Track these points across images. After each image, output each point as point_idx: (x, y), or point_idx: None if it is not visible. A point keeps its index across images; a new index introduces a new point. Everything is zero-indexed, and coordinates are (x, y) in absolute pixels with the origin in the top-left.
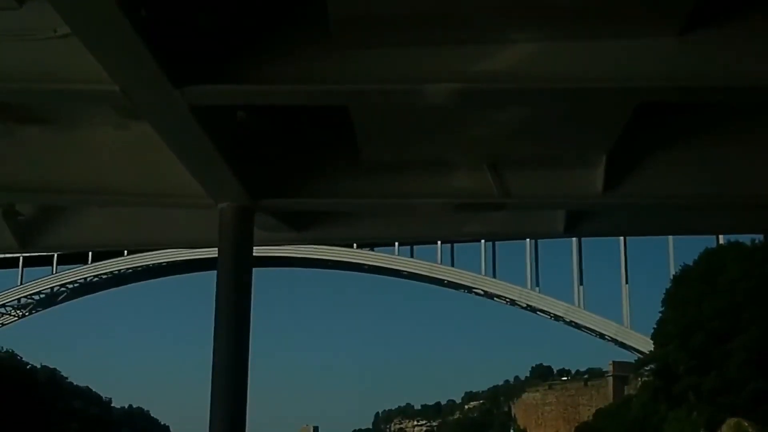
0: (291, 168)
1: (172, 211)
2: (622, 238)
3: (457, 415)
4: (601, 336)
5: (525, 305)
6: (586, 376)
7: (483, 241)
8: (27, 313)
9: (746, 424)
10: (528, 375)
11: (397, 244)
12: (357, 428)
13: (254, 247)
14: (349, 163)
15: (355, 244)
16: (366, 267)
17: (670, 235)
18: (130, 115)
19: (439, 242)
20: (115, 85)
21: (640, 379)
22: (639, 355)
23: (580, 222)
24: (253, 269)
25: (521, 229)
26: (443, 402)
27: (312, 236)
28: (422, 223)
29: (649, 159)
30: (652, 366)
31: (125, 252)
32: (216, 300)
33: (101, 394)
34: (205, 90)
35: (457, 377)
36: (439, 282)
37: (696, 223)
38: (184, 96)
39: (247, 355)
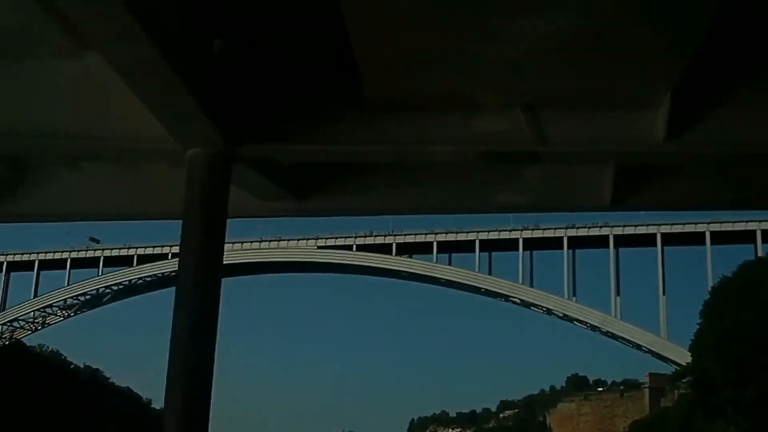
0: (278, 107)
1: (152, 174)
2: (659, 248)
3: (491, 424)
4: (638, 347)
5: (562, 315)
6: (622, 387)
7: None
8: (72, 314)
9: None
10: (563, 385)
11: (435, 251)
12: None
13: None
14: (349, 102)
15: (393, 251)
16: (404, 274)
17: (744, 209)
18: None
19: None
20: None
21: (676, 391)
22: (676, 367)
23: (631, 191)
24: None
25: (559, 199)
26: (478, 410)
27: (314, 206)
28: (445, 190)
29: (725, 100)
30: (689, 378)
31: (169, 255)
32: (179, 269)
33: (141, 395)
34: None
35: (492, 386)
36: (476, 290)
37: None
38: None
39: (214, 334)
